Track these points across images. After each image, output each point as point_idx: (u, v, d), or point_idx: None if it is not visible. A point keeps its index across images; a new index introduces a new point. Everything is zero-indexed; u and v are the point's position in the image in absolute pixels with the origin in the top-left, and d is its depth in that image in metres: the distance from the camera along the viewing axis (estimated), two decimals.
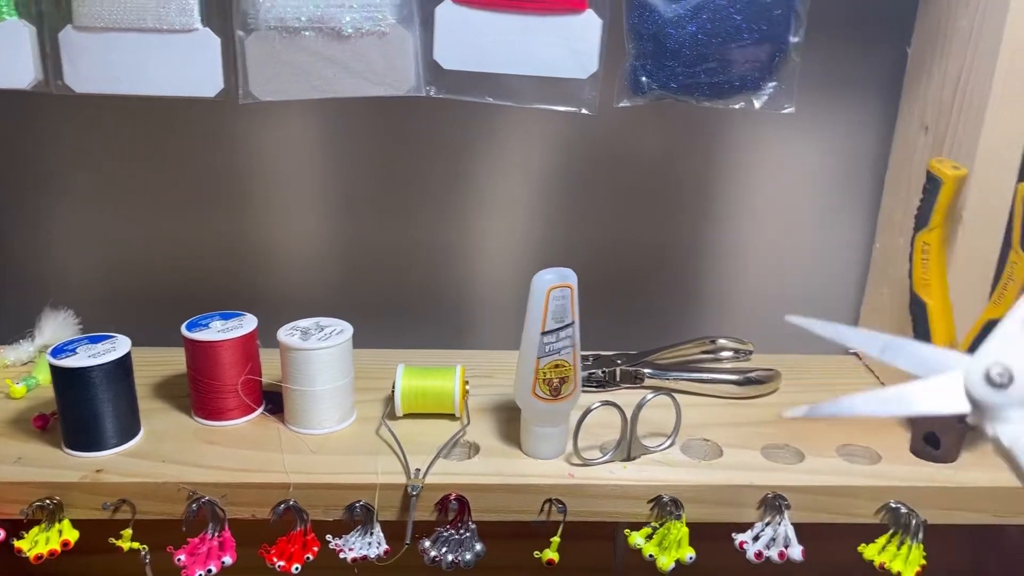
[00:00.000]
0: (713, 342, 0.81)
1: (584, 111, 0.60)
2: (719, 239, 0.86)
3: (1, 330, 0.81)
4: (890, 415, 0.28)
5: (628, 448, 0.65)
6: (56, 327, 0.78)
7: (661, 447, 0.67)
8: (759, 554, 0.62)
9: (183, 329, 0.68)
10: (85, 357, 0.63)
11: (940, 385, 0.35)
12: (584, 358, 0.78)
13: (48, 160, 0.83)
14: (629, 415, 0.64)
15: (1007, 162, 0.63)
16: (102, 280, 0.87)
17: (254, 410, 0.71)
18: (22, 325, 0.79)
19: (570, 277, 0.61)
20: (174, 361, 0.79)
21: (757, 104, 0.60)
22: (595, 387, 0.77)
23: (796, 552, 0.62)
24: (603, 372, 0.77)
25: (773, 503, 0.62)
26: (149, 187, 0.84)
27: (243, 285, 0.87)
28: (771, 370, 0.77)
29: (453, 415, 0.71)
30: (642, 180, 0.83)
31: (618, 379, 0.77)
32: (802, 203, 0.85)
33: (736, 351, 0.81)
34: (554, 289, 0.61)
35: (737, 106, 0.60)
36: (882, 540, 0.64)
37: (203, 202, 0.85)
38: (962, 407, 0.34)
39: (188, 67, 0.58)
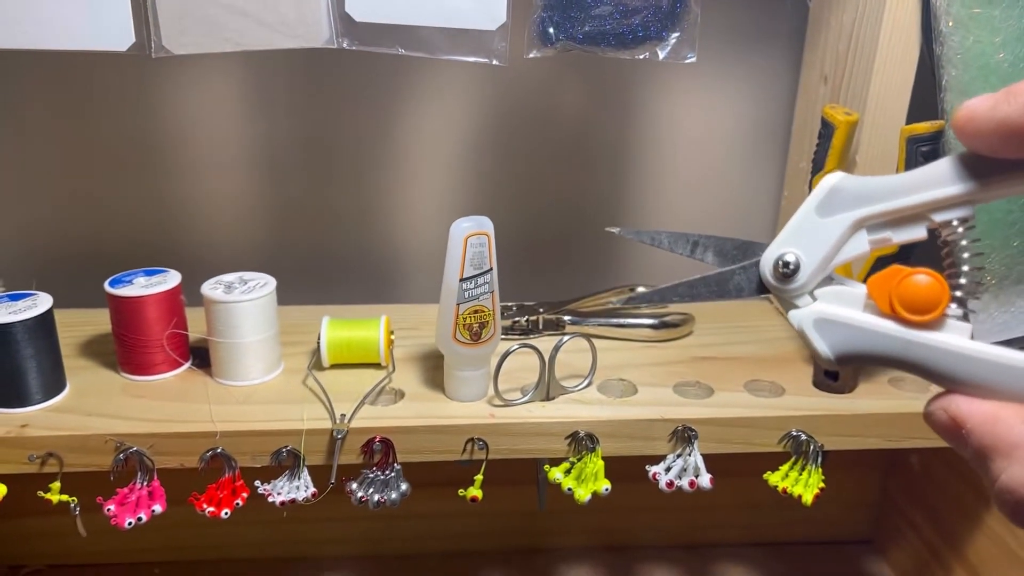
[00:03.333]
0: (632, 290, 0.84)
1: (495, 62, 0.61)
2: (634, 190, 0.89)
3: None
4: None
5: (547, 389, 0.68)
6: None
7: (578, 387, 0.70)
8: (670, 483, 0.66)
9: (106, 286, 0.69)
10: (6, 313, 0.63)
11: (741, 273, 0.40)
12: (507, 308, 0.80)
13: None
14: (547, 357, 0.67)
15: (895, 107, 0.66)
16: (20, 241, 0.86)
17: (181, 364, 0.72)
18: None
19: (486, 225, 0.63)
20: (97, 321, 0.79)
21: (661, 54, 0.62)
22: (518, 335, 0.79)
23: (705, 480, 0.66)
24: (526, 321, 0.80)
25: (683, 435, 0.66)
26: (68, 144, 0.84)
27: (165, 245, 0.87)
28: (685, 314, 0.80)
29: (379, 364, 0.73)
30: (559, 133, 0.85)
31: (540, 327, 0.80)
32: (715, 154, 0.88)
33: None
34: (471, 236, 0.63)
35: (642, 56, 0.63)
36: (784, 467, 0.68)
37: (123, 160, 0.84)
38: (760, 292, 0.40)
39: (98, 20, 0.58)
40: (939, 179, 0.34)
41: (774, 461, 0.69)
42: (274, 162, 0.86)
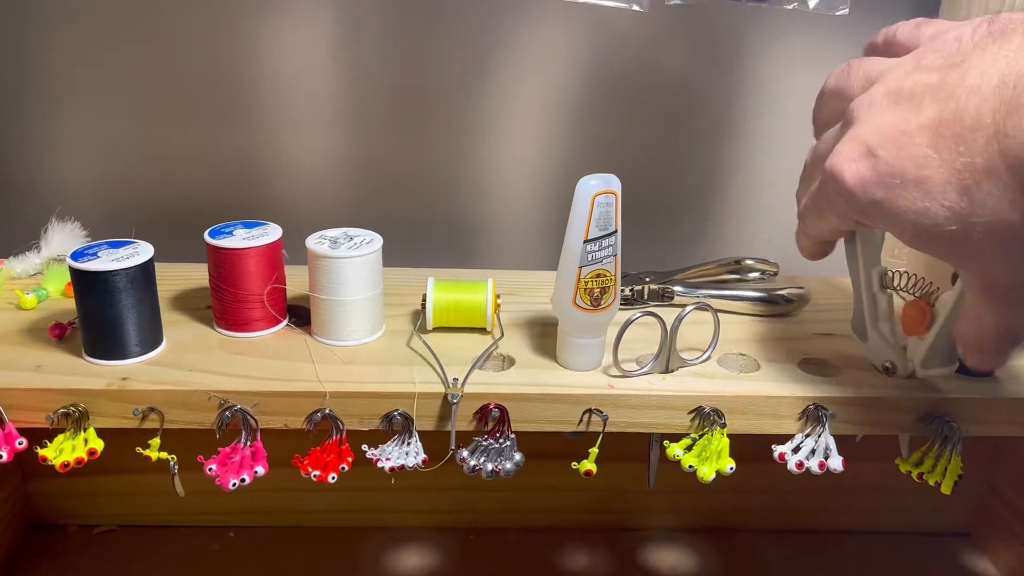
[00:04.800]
0: (738, 263, 0.80)
1: (635, 7, 0.57)
2: (744, 160, 0.85)
3: (5, 241, 0.77)
4: None
5: (667, 360, 0.64)
6: (64, 239, 0.75)
7: (699, 359, 0.66)
8: (800, 464, 0.62)
9: (206, 236, 0.66)
10: (108, 261, 0.60)
11: None
12: None
13: (52, 57, 0.79)
14: (669, 328, 0.63)
15: None
16: (111, 191, 0.83)
17: (279, 322, 0.69)
18: (27, 237, 0.76)
19: (614, 183, 0.60)
20: (190, 275, 0.76)
21: (812, 4, 0.58)
22: (624, 305, 0.75)
23: (836, 462, 0.62)
24: (631, 291, 0.76)
25: (815, 414, 0.62)
26: (162, 90, 0.81)
27: (258, 201, 0.84)
28: (801, 287, 0.76)
29: (484, 329, 0.69)
30: (675, 96, 0.81)
31: (646, 297, 0.76)
32: None
33: (762, 272, 0.80)
34: (599, 195, 0.59)
35: (791, 6, 0.58)
36: (918, 452, 0.64)
37: (214, 111, 0.81)
38: None
39: None
40: None
41: (886, 445, 0.65)
42: (366, 118, 0.82)
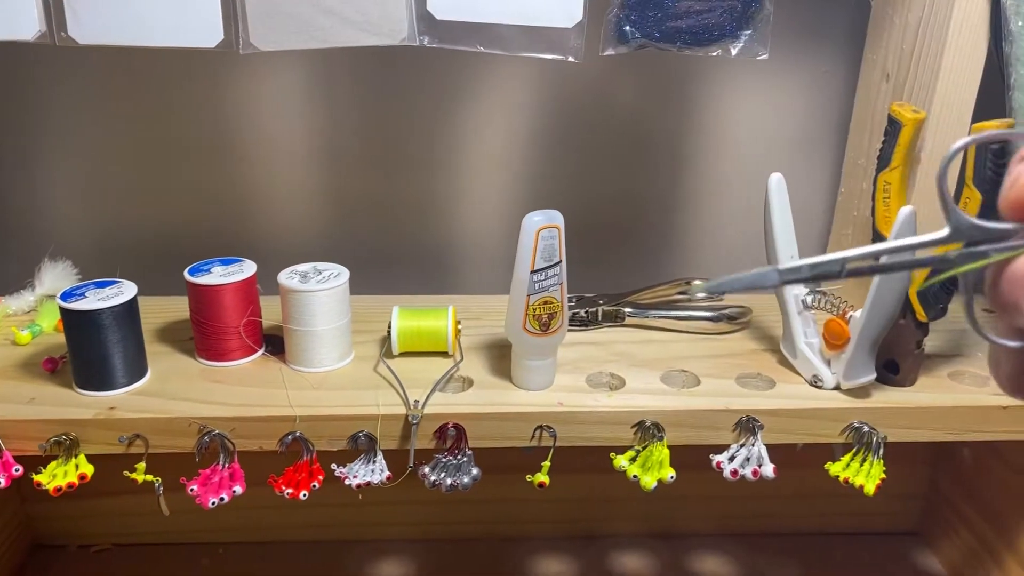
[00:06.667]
0: (688, 283, 0.86)
1: (571, 59, 0.63)
2: (693, 186, 0.91)
3: (2, 281, 0.83)
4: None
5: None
6: (56, 277, 0.81)
7: None
8: (735, 472, 0.67)
9: (186, 274, 0.71)
10: (95, 300, 0.66)
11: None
12: (568, 299, 0.81)
13: (47, 111, 0.85)
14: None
15: (962, 105, 0.67)
16: (99, 231, 0.89)
17: (256, 351, 0.74)
18: (22, 276, 0.82)
19: (557, 218, 0.65)
20: (173, 308, 0.81)
21: (734, 51, 0.64)
22: (579, 326, 0.81)
23: (768, 470, 0.67)
24: (586, 312, 0.81)
25: (747, 425, 0.67)
26: (147, 138, 0.86)
27: (236, 236, 0.90)
28: (742, 307, 0.81)
29: (446, 353, 0.75)
30: (621, 130, 0.87)
31: (600, 318, 0.82)
32: (772, 150, 0.89)
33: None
34: (543, 229, 0.65)
35: (715, 53, 0.64)
36: (846, 458, 0.69)
37: (199, 154, 0.87)
38: None
39: (189, 18, 0.61)
40: None
41: (828, 453, 0.70)
42: (341, 156, 0.88)
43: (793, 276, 0.30)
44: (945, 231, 0.30)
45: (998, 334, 0.29)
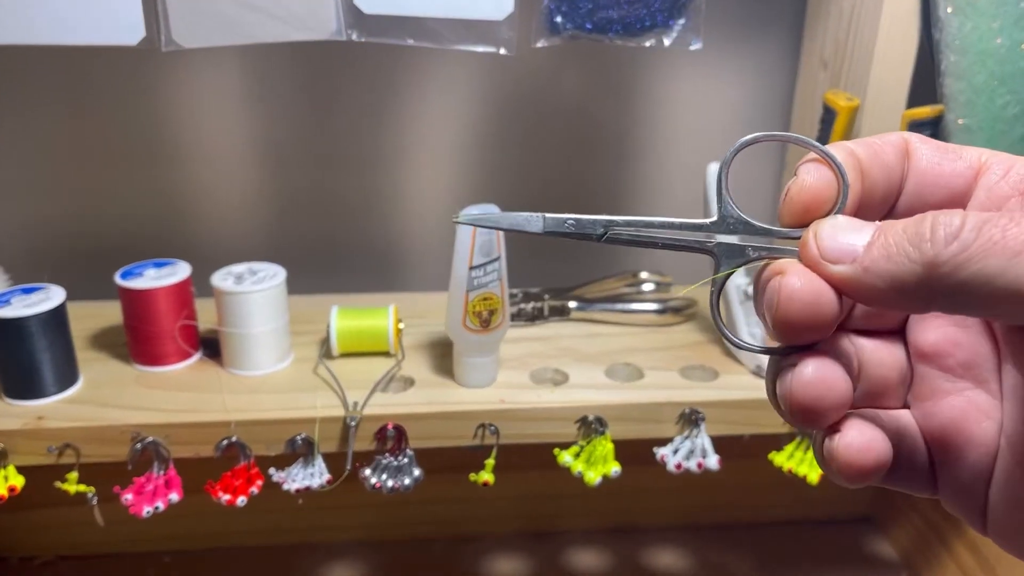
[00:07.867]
0: (635, 275, 0.85)
1: (502, 51, 0.62)
2: (637, 177, 0.90)
3: None
4: None
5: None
6: None
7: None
8: (679, 465, 0.67)
9: (117, 278, 0.69)
10: (20, 307, 0.64)
11: None
12: (512, 295, 0.81)
13: None
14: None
15: (895, 92, 0.67)
16: (29, 234, 0.86)
17: (192, 355, 0.72)
18: None
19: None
20: (107, 313, 0.79)
21: (667, 42, 0.63)
22: (525, 322, 0.80)
23: (712, 462, 0.67)
24: (532, 307, 0.81)
25: (690, 417, 0.67)
26: (75, 138, 0.84)
27: (173, 236, 0.88)
28: (688, 299, 0.81)
29: (388, 352, 0.74)
30: (562, 121, 0.86)
31: (546, 313, 0.81)
32: (715, 140, 0.89)
33: (656, 283, 0.85)
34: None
35: (648, 43, 0.63)
36: (790, 447, 0.69)
37: (130, 153, 0.85)
38: None
39: (108, 15, 0.59)
40: None
41: (777, 443, 0.70)
42: (280, 153, 0.86)
43: (555, 227, 0.31)
44: (713, 218, 0.32)
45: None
